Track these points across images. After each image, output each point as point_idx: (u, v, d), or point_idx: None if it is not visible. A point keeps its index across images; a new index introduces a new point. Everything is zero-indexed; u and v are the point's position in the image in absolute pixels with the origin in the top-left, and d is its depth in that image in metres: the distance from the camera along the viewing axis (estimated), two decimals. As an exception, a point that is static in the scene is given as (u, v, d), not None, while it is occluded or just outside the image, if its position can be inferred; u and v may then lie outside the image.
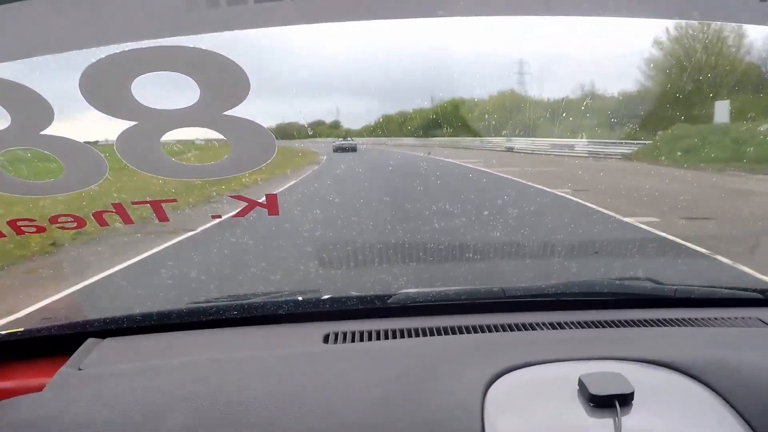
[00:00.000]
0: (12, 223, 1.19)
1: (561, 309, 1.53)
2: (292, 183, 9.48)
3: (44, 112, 0.93)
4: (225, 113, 0.95)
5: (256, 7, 0.78)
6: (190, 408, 0.99)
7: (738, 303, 1.60)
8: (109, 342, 1.37)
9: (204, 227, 5.60)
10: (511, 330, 1.40)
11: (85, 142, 1.05)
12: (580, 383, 1.00)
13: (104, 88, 0.90)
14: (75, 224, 1.23)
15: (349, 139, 16.07)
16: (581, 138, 13.81)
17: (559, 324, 1.42)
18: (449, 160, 14.52)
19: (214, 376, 1.12)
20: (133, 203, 1.23)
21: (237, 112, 0.94)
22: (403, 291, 1.55)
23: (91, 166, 1.05)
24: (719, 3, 0.84)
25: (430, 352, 1.23)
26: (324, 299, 1.54)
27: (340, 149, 15.70)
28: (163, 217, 1.21)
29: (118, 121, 0.94)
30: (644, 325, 1.42)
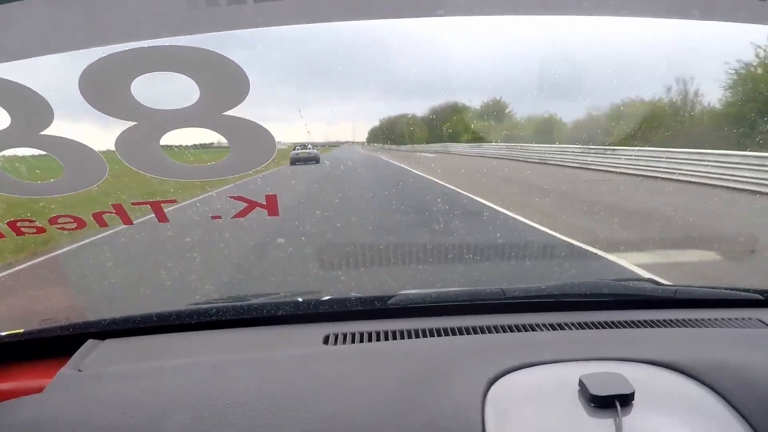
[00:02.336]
0: (12, 224, 1.19)
1: (561, 310, 1.52)
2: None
3: (44, 113, 0.93)
4: (225, 113, 0.95)
5: (256, 6, 0.78)
6: (190, 409, 0.99)
7: (738, 304, 1.59)
8: (109, 343, 1.37)
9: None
10: (511, 331, 1.39)
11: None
12: (581, 384, 1.00)
13: (104, 89, 0.90)
14: (75, 225, 1.23)
15: (309, 146, 13.13)
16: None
17: (560, 325, 1.41)
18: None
19: (214, 378, 1.12)
20: (133, 204, 1.23)
21: (237, 111, 0.94)
22: (403, 292, 1.55)
23: (91, 167, 1.05)
24: (719, 2, 0.84)
25: (431, 353, 1.22)
26: (324, 300, 1.54)
27: (297, 161, 12.80)
28: (163, 218, 1.21)
29: (117, 121, 0.94)
30: (644, 326, 1.42)
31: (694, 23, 0.84)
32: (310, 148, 13.11)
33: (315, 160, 13.40)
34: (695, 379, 1.05)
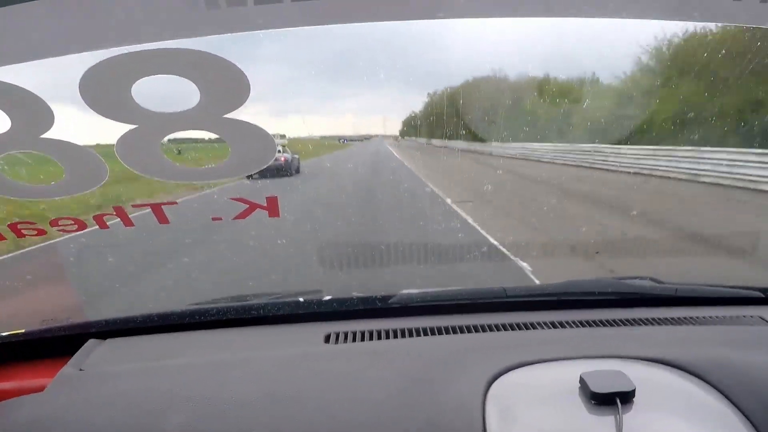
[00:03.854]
0: (13, 226, 1.19)
1: (562, 308, 1.53)
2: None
3: (44, 116, 0.93)
4: (225, 116, 0.95)
5: (256, 8, 0.77)
6: (192, 409, 1.00)
7: (739, 301, 1.60)
8: (111, 343, 1.37)
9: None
10: (512, 329, 1.40)
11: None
12: (582, 381, 1.00)
13: (104, 92, 0.90)
14: (75, 227, 1.23)
15: (280, 149, 8.90)
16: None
17: (560, 323, 1.42)
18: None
19: (215, 377, 1.12)
20: (134, 206, 1.23)
21: (237, 114, 0.94)
22: (405, 291, 1.55)
23: (91, 170, 1.05)
24: (719, 3, 0.84)
25: (432, 351, 1.23)
26: (325, 300, 1.54)
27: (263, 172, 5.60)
28: (163, 220, 1.21)
29: (118, 124, 0.93)
30: (645, 324, 1.42)
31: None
32: (280, 152, 9.29)
33: (287, 171, 9.79)
34: (696, 377, 1.05)
